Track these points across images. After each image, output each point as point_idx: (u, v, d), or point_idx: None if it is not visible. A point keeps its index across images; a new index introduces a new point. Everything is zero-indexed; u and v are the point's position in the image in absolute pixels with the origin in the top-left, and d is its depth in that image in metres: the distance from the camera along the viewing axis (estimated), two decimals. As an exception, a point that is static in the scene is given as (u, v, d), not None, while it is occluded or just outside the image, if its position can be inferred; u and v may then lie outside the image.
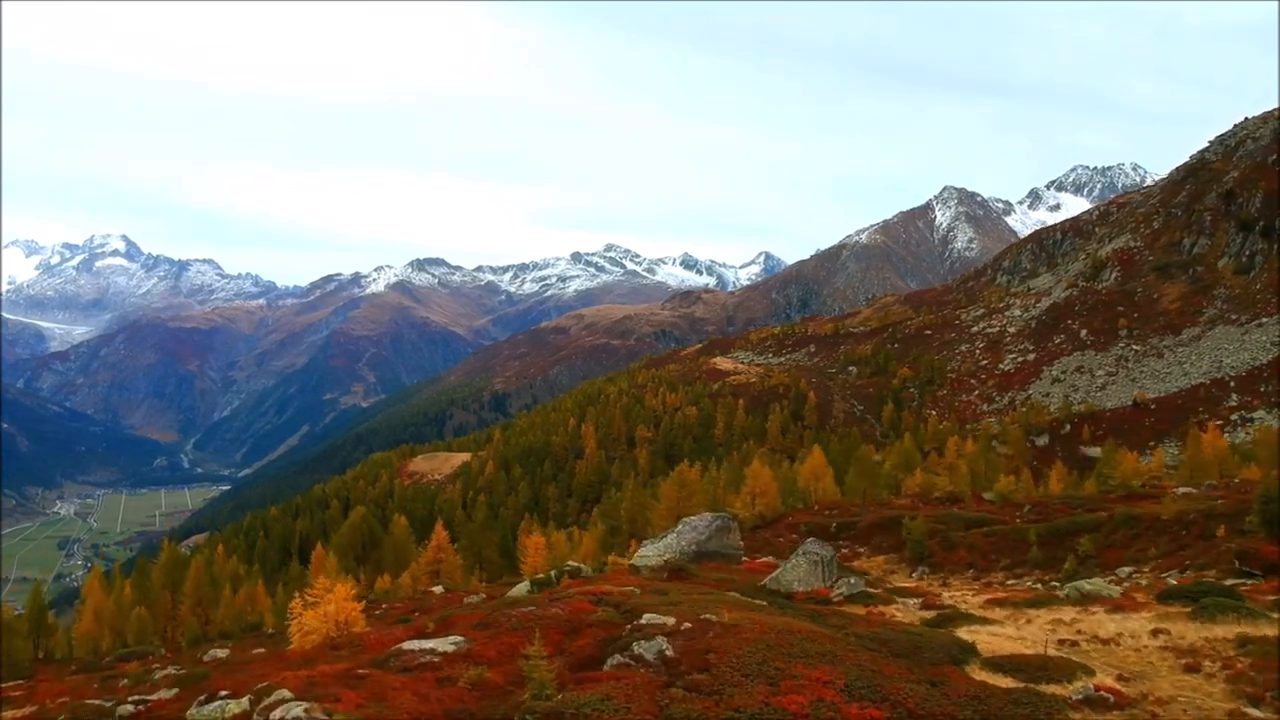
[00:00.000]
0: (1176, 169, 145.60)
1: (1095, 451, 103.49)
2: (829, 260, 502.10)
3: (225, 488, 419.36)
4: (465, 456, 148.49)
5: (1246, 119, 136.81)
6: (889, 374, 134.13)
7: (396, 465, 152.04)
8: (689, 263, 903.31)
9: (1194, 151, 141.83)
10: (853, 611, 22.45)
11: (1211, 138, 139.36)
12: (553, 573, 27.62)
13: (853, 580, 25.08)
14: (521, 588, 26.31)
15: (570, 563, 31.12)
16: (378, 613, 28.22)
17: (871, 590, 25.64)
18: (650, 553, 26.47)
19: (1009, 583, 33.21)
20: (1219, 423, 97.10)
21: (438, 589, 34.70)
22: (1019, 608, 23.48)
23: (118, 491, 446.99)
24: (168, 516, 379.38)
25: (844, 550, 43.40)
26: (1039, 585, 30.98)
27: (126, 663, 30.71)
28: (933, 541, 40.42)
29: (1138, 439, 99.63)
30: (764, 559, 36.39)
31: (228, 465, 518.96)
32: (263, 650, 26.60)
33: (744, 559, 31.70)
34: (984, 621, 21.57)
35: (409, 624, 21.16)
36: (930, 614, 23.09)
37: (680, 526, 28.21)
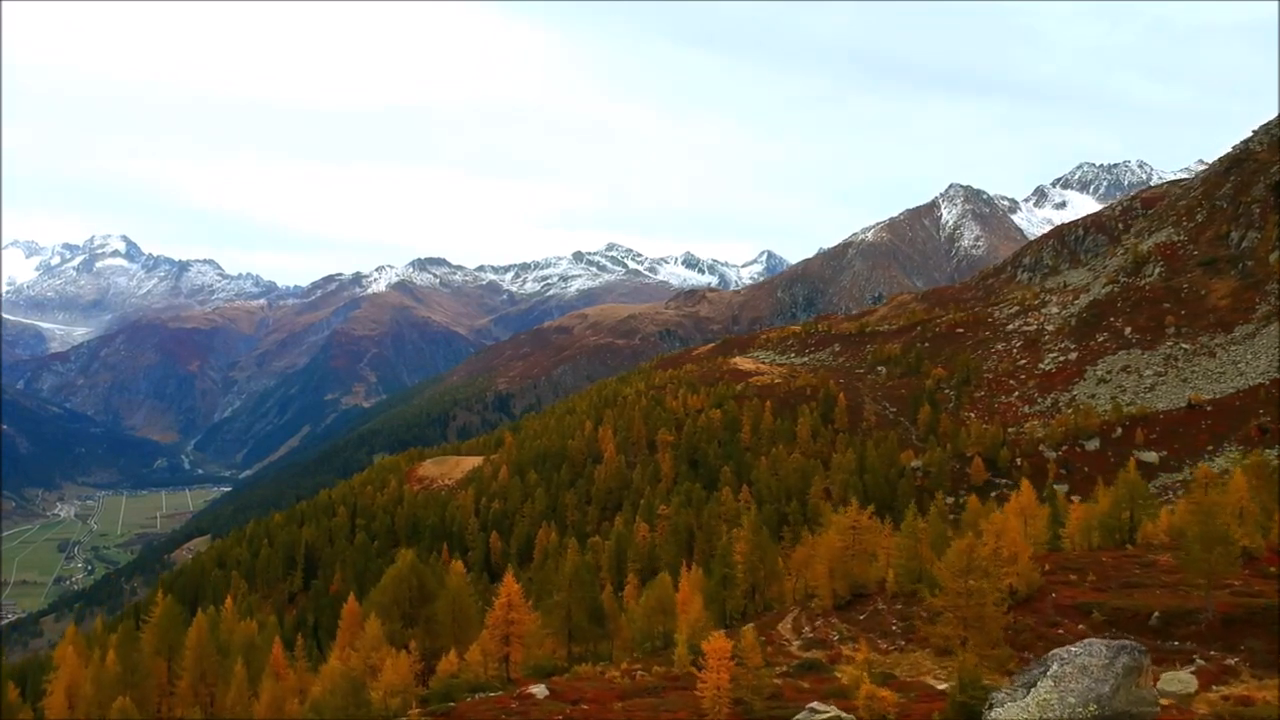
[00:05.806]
0: (1219, 160, 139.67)
1: (1150, 456, 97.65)
2: (834, 259, 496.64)
3: (226, 489, 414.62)
4: (476, 461, 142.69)
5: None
6: (922, 374, 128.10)
7: (405, 470, 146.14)
8: (691, 262, 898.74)
9: (1237, 141, 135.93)
10: None
11: (1255, 127, 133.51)
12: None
13: None
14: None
15: (816, 704, 21.07)
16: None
17: None
18: (1014, 715, 16.03)
19: None
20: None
21: (539, 690, 26.03)
22: None
23: (118, 493, 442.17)
24: (168, 518, 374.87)
25: (1199, 664, 29.75)
26: None
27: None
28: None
29: (1195, 443, 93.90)
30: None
31: (228, 466, 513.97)
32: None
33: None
34: None
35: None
36: None
37: (1055, 666, 16.83)
